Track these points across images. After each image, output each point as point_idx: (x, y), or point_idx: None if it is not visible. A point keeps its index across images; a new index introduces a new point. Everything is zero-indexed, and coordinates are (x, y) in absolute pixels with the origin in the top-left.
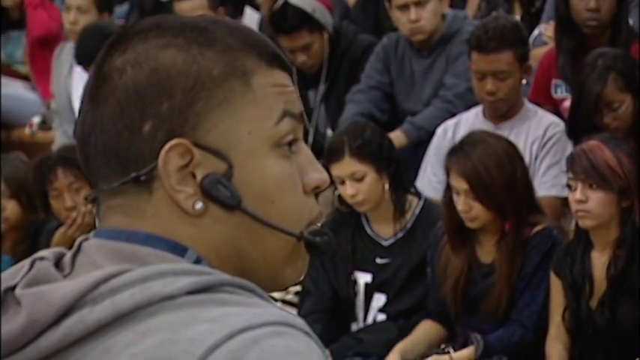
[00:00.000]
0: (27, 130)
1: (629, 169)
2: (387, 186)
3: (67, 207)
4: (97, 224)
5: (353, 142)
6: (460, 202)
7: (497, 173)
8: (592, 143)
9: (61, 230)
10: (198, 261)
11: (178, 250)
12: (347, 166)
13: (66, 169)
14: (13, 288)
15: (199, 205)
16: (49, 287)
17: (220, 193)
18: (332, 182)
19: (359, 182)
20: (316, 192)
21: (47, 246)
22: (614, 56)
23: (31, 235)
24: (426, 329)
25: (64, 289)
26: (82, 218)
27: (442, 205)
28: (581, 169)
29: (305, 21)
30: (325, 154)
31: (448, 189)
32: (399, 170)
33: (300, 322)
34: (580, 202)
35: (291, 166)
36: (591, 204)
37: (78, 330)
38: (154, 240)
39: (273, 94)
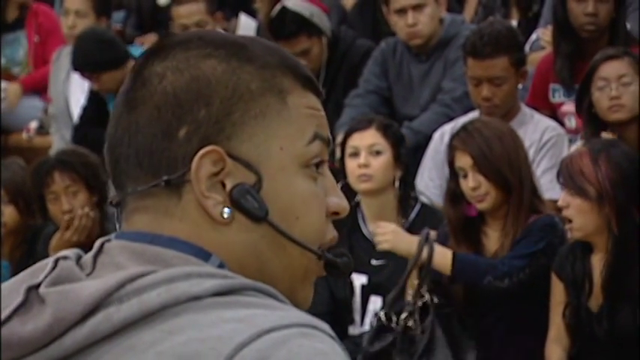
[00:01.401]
0: (24, 135)
1: (606, 176)
2: (397, 183)
3: (64, 210)
4: (118, 227)
5: (382, 119)
6: (469, 181)
7: (498, 146)
8: (578, 151)
9: (58, 234)
10: (221, 266)
11: (202, 254)
12: (370, 136)
13: (63, 172)
14: (36, 287)
15: (227, 213)
16: (74, 286)
17: (248, 204)
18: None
19: (375, 157)
20: (334, 218)
21: (45, 251)
22: (629, 50)
23: (29, 239)
24: None
25: (90, 287)
26: (78, 221)
27: (445, 201)
28: (562, 177)
29: (303, 26)
30: (349, 128)
31: (452, 180)
32: (408, 172)
33: (325, 325)
34: (563, 208)
35: (317, 187)
36: (571, 210)
37: (104, 328)
38: (177, 243)
39: (306, 116)
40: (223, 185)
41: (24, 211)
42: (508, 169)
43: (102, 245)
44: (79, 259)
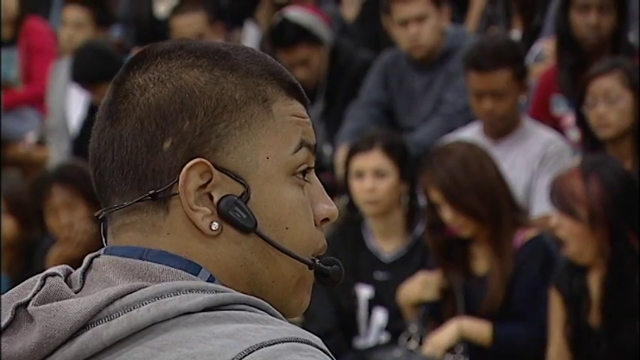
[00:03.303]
0: (21, 147)
1: (597, 197)
2: (403, 198)
3: (63, 224)
4: (104, 242)
5: (386, 138)
6: (446, 213)
7: (464, 177)
8: (569, 171)
9: (55, 248)
10: (211, 280)
11: (192, 268)
12: (375, 158)
13: (62, 186)
14: (24, 304)
15: (216, 226)
16: (63, 303)
17: (237, 216)
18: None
19: (380, 179)
20: (324, 224)
21: (42, 264)
22: (624, 60)
23: (27, 253)
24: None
25: (78, 305)
26: (76, 235)
27: (425, 227)
28: (553, 197)
29: (303, 35)
30: (352, 146)
31: (429, 210)
32: (414, 186)
33: (317, 339)
34: (556, 228)
35: (304, 195)
36: (564, 231)
37: (93, 345)
38: (167, 257)
39: (292, 124)
40: (211, 197)
41: (23, 223)
42: (477, 201)
43: (91, 261)
44: (68, 275)
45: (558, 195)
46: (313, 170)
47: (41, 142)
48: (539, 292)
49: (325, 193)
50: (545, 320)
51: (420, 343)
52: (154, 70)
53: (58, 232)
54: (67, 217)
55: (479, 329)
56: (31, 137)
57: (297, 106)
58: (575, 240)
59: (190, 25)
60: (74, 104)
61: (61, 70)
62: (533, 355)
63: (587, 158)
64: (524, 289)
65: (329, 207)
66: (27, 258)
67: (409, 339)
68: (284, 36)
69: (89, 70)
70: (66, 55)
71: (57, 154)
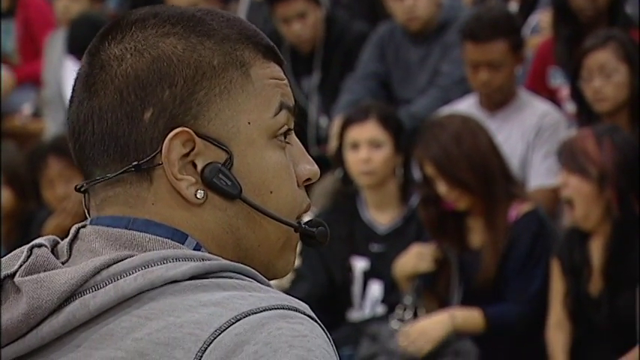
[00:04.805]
0: (17, 119)
1: (610, 158)
2: (398, 170)
3: (59, 196)
4: (87, 214)
5: (381, 109)
6: (440, 187)
7: (456, 150)
8: (581, 132)
9: (51, 219)
10: (197, 248)
11: (178, 236)
12: (370, 129)
13: (58, 157)
14: (11, 276)
15: (201, 194)
16: (49, 274)
17: (221, 183)
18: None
19: (375, 150)
20: (307, 184)
21: (38, 235)
22: (617, 32)
23: (23, 224)
24: None
25: (65, 275)
26: (72, 207)
27: (418, 204)
28: (563, 155)
29: None
30: (347, 116)
31: (424, 184)
32: (409, 158)
33: (305, 306)
34: (561, 187)
35: (286, 157)
36: (570, 189)
37: (81, 315)
38: (153, 226)
39: (270, 86)
40: (194, 166)
41: (20, 195)
42: (470, 174)
43: (77, 231)
44: (55, 246)
45: (569, 153)
46: (293, 132)
47: (37, 114)
48: (532, 266)
49: (306, 153)
50: (537, 294)
51: (415, 315)
52: (130, 40)
53: (54, 204)
54: (63, 188)
55: (471, 317)
56: (27, 109)
57: (275, 69)
58: (582, 200)
59: None
60: (70, 76)
61: (56, 42)
62: (525, 330)
63: (599, 125)
64: (517, 263)
65: (310, 167)
66: (23, 229)
67: (404, 310)
68: None
69: (85, 41)
70: (61, 26)
71: (53, 125)
